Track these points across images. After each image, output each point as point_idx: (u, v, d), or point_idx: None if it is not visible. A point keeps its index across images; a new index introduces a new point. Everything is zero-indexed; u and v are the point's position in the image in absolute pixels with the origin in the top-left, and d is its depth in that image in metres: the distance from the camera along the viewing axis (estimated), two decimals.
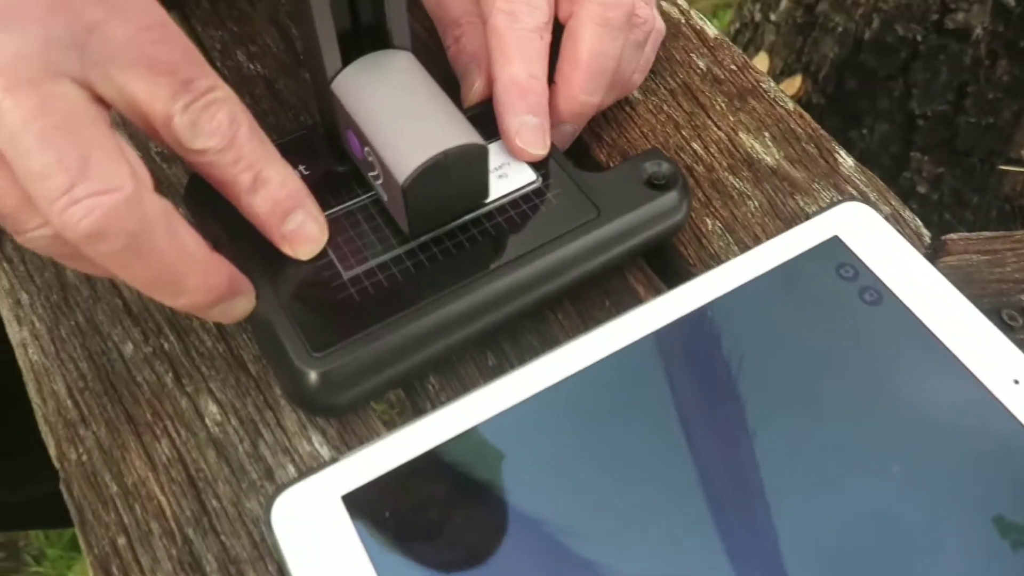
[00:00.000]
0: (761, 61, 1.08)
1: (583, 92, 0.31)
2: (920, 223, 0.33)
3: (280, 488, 0.25)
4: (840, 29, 0.96)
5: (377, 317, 0.27)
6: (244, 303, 0.27)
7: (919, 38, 0.89)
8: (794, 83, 1.03)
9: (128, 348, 0.31)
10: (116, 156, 0.22)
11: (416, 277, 0.28)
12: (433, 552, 0.24)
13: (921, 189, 0.93)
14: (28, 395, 0.31)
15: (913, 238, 0.32)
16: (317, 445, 0.28)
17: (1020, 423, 0.25)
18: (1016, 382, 0.26)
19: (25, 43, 0.21)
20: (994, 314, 0.29)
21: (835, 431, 0.25)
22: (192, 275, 0.24)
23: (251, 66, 0.39)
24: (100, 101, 0.23)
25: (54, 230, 0.23)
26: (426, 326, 0.27)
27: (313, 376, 0.26)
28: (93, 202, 0.21)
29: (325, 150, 0.31)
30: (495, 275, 0.28)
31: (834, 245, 0.29)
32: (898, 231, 0.30)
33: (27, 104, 0.21)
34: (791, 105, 0.36)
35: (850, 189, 0.34)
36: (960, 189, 0.91)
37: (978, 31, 0.85)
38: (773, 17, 1.07)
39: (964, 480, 0.24)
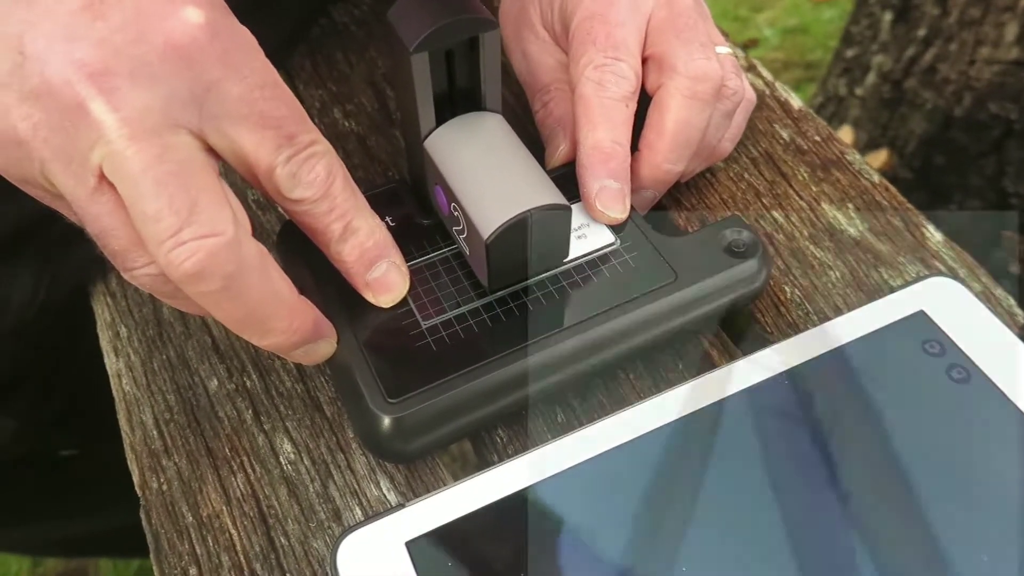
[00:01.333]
0: (845, 134, 1.07)
1: (666, 161, 0.32)
2: (1013, 302, 0.32)
3: (346, 531, 0.25)
4: (929, 106, 0.95)
5: (451, 368, 0.27)
6: (326, 346, 0.28)
7: (1013, 116, 0.87)
8: (879, 157, 1.01)
9: (213, 384, 0.32)
10: (221, 202, 0.24)
11: (492, 331, 0.29)
12: None
13: (1014, 269, 0.89)
14: (111, 429, 0.32)
15: (1005, 317, 0.31)
16: (385, 490, 0.29)
17: None
18: None
19: (151, 98, 0.23)
20: None
21: (918, 515, 0.24)
22: (280, 317, 0.25)
23: (346, 123, 0.41)
24: (211, 151, 0.25)
25: (159, 269, 0.24)
26: (498, 380, 0.27)
27: (386, 421, 0.27)
28: (197, 244, 0.23)
29: (411, 203, 0.33)
30: (569, 333, 0.28)
31: (920, 320, 0.28)
32: (989, 309, 0.29)
33: (148, 152, 0.23)
34: (876, 178, 0.36)
35: (938, 264, 0.33)
36: None
37: None
38: (859, 91, 1.06)
39: None
